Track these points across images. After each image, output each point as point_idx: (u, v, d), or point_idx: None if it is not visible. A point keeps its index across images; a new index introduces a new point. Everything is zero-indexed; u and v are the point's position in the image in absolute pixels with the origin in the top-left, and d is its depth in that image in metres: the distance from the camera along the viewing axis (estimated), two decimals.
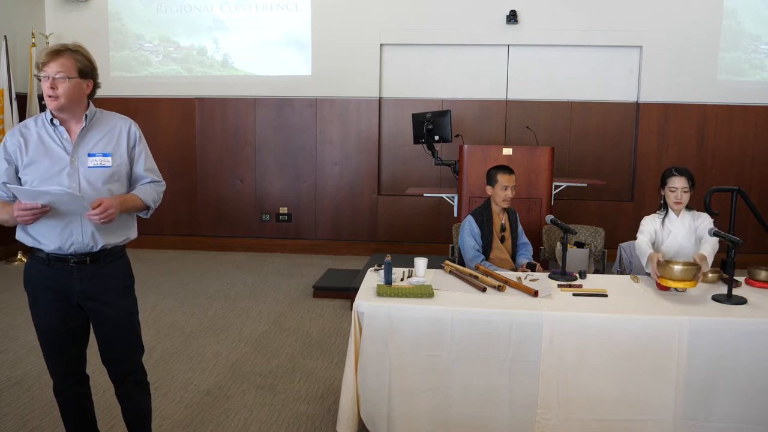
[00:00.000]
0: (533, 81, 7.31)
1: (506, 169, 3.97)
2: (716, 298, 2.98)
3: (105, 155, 2.36)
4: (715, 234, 3.21)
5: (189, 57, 7.55)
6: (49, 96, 2.27)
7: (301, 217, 7.62)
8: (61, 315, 2.39)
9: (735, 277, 3.18)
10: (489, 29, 7.22)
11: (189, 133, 7.52)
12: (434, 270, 3.40)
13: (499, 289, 3.04)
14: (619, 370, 2.71)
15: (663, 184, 3.59)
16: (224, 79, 7.48)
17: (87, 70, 2.33)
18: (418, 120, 5.98)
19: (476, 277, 3.18)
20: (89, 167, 2.33)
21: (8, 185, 2.28)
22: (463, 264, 3.86)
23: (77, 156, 2.33)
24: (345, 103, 7.47)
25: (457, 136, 5.97)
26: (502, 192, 3.92)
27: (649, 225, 3.56)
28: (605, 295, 3.00)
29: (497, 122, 7.40)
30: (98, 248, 2.37)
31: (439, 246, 6.73)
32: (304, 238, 7.56)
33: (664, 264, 3.00)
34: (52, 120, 2.33)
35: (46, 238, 2.32)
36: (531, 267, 3.79)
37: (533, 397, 2.76)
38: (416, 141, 6.10)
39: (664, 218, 3.57)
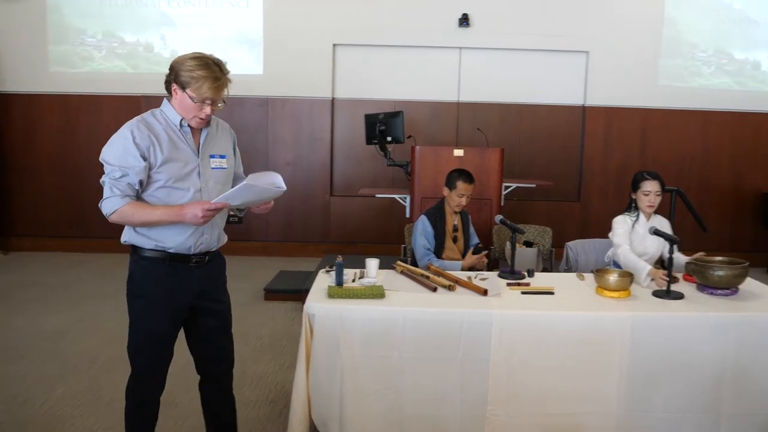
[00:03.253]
0: (484, 83, 7.42)
1: (468, 178, 3.97)
2: (656, 294, 3.08)
3: (222, 157, 2.49)
4: (655, 233, 3.32)
5: (134, 53, 7.37)
6: (202, 119, 2.35)
7: (252, 218, 7.52)
8: (174, 318, 2.44)
9: (675, 274, 3.31)
10: (441, 32, 7.29)
11: None
12: (386, 270, 3.40)
13: (450, 288, 3.08)
14: (566, 366, 2.78)
15: (635, 187, 3.60)
16: None
17: None
18: (371, 121, 5.99)
19: (427, 277, 3.21)
20: (212, 168, 2.43)
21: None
22: (415, 264, 3.89)
23: (204, 158, 2.41)
24: (297, 103, 7.43)
25: (409, 137, 6.01)
26: (458, 198, 3.96)
27: (624, 227, 3.56)
28: (552, 293, 3.07)
29: (449, 124, 7.48)
30: (217, 247, 2.52)
31: (391, 247, 6.74)
32: (255, 240, 7.47)
33: (601, 274, 3.08)
34: (181, 121, 2.37)
35: (175, 237, 2.35)
36: (477, 251, 3.84)
37: (483, 395, 2.80)
38: (369, 142, 6.12)
39: (635, 222, 3.59)
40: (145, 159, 2.27)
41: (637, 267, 3.26)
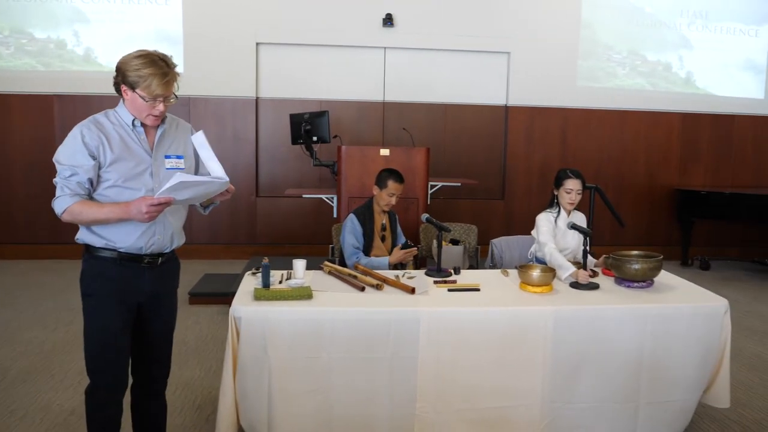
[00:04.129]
0: (409, 83, 7.48)
1: (399, 178, 3.99)
2: (573, 285, 3.21)
3: (179, 157, 2.46)
4: (572, 227, 3.45)
5: (45, 50, 7.01)
6: (155, 116, 2.33)
7: None
8: (124, 317, 2.40)
9: (594, 268, 3.47)
10: (366, 31, 7.30)
11: (47, 134, 6.90)
12: (314, 271, 3.37)
13: (378, 288, 3.07)
14: (492, 360, 2.83)
15: (558, 184, 3.70)
16: (87, 75, 6.96)
17: None
18: (296, 120, 5.93)
19: (355, 277, 3.20)
20: (167, 169, 2.39)
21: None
22: (343, 264, 3.87)
23: (157, 157, 2.38)
24: (220, 103, 7.27)
25: (335, 136, 5.98)
26: (388, 198, 3.97)
27: (548, 224, 3.65)
28: (478, 290, 3.12)
29: (375, 123, 7.50)
30: (171, 249, 2.48)
31: (319, 247, 6.69)
32: None
33: (524, 270, 3.16)
34: (133, 121, 2.35)
35: (125, 236, 2.34)
36: (405, 247, 3.86)
37: (412, 392, 2.81)
38: (294, 142, 6.05)
39: (557, 217, 3.70)
40: (94, 158, 2.27)
41: (563, 267, 3.35)
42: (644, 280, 3.20)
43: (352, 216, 4.02)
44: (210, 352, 4.33)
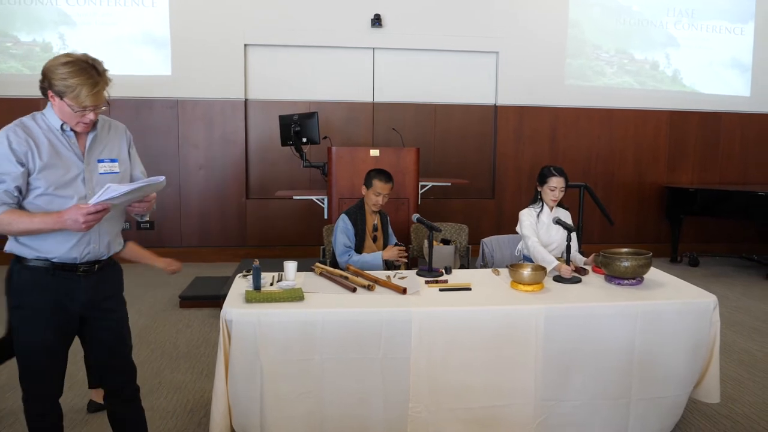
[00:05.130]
0: (398, 84, 7.48)
1: (385, 177, 3.97)
2: (556, 279, 3.27)
3: (113, 161, 2.35)
4: (557, 222, 3.54)
5: (31, 53, 6.96)
6: (86, 124, 2.23)
7: (164, 224, 7.28)
8: (59, 329, 2.30)
9: (583, 266, 3.50)
10: (354, 32, 7.29)
11: None
12: (305, 273, 3.37)
13: (369, 288, 3.07)
14: (484, 359, 2.84)
15: (542, 182, 3.78)
16: None
17: None
18: (286, 122, 5.92)
19: (346, 278, 3.20)
20: (100, 173, 2.30)
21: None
22: (334, 265, 3.87)
23: (89, 163, 2.28)
24: (208, 105, 7.24)
25: (325, 137, 5.98)
26: (375, 197, 3.96)
27: (530, 219, 3.74)
28: (469, 289, 3.12)
29: (364, 124, 7.50)
30: (107, 256, 2.38)
31: (310, 249, 6.69)
32: (168, 246, 7.20)
33: (515, 269, 3.18)
34: (62, 126, 2.23)
35: (58, 246, 2.23)
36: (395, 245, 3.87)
37: (405, 393, 2.81)
38: (284, 143, 6.04)
39: (540, 212, 3.79)
40: (22, 165, 2.15)
41: (546, 260, 3.42)
42: (634, 277, 3.22)
43: (344, 216, 4.02)
44: (201, 355, 4.31)
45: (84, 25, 6.98)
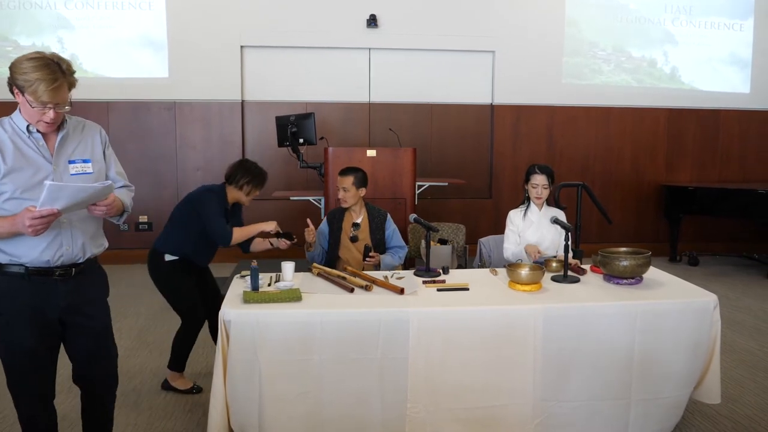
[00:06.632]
0: (395, 84, 7.47)
1: (343, 171, 3.95)
2: (554, 279, 3.26)
3: (85, 161, 2.30)
4: (555, 222, 3.55)
5: None
6: (48, 123, 2.17)
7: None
8: (39, 333, 2.27)
9: (582, 266, 3.49)
10: (350, 32, 7.28)
11: None
12: (302, 273, 3.37)
13: (367, 288, 3.06)
14: (482, 360, 2.82)
15: (527, 180, 3.84)
16: None
17: None
18: (282, 123, 5.91)
19: (344, 279, 3.19)
20: (72, 175, 2.25)
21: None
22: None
23: (58, 164, 2.23)
24: (206, 107, 7.22)
25: (321, 138, 5.97)
26: (339, 192, 3.95)
27: (516, 219, 3.85)
28: (467, 289, 3.11)
29: (361, 124, 7.48)
30: (84, 259, 2.31)
31: None
32: None
33: (513, 268, 3.17)
34: (28, 127, 2.20)
35: (29, 250, 2.19)
36: (367, 250, 3.79)
37: (403, 393, 2.80)
38: (281, 144, 6.03)
39: (526, 210, 3.82)
40: None
41: (516, 255, 3.60)
42: (633, 276, 3.20)
43: (326, 216, 4.03)
44: (200, 355, 4.30)
45: (82, 29, 6.96)
